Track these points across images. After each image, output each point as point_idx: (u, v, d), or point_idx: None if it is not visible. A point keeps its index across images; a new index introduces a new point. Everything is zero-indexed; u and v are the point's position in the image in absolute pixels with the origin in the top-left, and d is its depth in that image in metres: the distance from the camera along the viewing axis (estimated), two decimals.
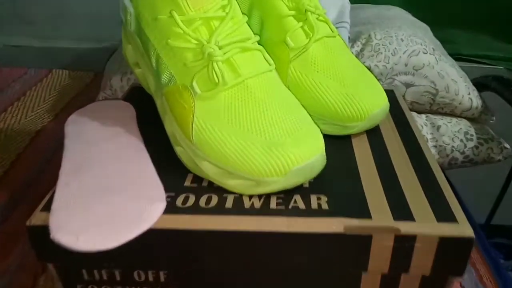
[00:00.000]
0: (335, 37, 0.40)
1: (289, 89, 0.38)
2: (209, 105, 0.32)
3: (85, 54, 0.85)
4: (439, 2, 0.76)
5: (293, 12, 0.38)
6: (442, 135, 0.49)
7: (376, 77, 0.48)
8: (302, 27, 0.38)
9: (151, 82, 0.37)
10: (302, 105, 0.37)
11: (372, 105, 0.37)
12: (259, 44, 0.36)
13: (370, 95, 0.37)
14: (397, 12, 0.59)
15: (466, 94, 0.50)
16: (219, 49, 0.32)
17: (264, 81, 0.33)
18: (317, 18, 0.39)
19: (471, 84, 0.51)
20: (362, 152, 0.36)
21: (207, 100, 0.32)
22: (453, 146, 0.49)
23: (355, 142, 0.37)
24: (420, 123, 0.50)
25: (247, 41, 0.33)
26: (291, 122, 0.31)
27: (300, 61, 0.38)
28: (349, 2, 0.55)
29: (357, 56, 0.51)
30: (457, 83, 0.50)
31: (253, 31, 0.40)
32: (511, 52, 0.77)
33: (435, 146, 0.49)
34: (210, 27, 0.32)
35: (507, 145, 0.48)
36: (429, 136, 0.50)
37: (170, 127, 0.35)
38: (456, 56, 0.78)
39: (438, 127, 0.50)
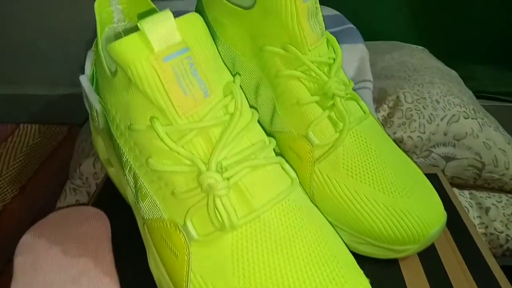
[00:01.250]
0: (367, 118, 0.31)
1: (313, 198, 0.29)
2: (211, 253, 0.23)
3: (57, 102, 0.74)
4: (458, 35, 0.68)
5: (317, 98, 0.29)
6: (493, 220, 0.40)
7: (409, 151, 0.39)
8: (328, 116, 0.29)
9: (128, 192, 0.27)
10: (335, 221, 0.28)
11: (428, 223, 0.28)
12: (270, 135, 0.27)
13: (425, 209, 0.28)
14: (423, 59, 0.51)
15: None
16: (223, 173, 0.22)
17: (286, 209, 0.23)
18: (346, 98, 0.29)
19: None
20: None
21: (207, 246, 0.22)
22: (508, 235, 0.40)
23: (403, 265, 0.28)
24: (464, 204, 0.41)
25: (261, 153, 0.24)
26: (323, 275, 0.22)
27: (327, 163, 0.29)
28: (368, 53, 0.46)
29: (384, 123, 0.41)
30: (506, 153, 0.41)
31: (262, 120, 0.31)
32: None
33: (485, 234, 0.40)
34: (208, 138, 0.23)
35: None
36: (476, 221, 0.41)
37: (156, 270, 0.25)
38: (479, 94, 0.71)
39: (487, 209, 0.41)
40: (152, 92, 0.22)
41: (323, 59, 0.29)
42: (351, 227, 0.28)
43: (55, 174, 0.58)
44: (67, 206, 0.34)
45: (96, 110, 0.27)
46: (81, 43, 0.73)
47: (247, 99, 0.25)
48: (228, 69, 0.26)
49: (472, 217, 0.41)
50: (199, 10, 0.34)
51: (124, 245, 0.28)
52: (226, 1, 0.30)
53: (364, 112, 0.31)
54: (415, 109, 0.42)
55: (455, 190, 0.43)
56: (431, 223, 0.28)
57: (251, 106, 0.26)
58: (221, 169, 0.22)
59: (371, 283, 0.23)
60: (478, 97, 0.70)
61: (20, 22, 0.72)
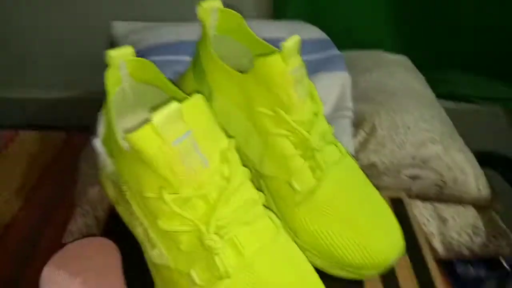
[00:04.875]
0: (344, 160, 0.37)
1: (296, 232, 0.36)
2: None
3: (53, 106, 0.78)
4: (437, 43, 0.73)
5: (300, 152, 0.35)
6: (449, 230, 0.49)
7: (381, 173, 0.46)
8: (309, 166, 0.35)
9: (137, 233, 0.33)
10: (313, 250, 0.35)
11: (388, 253, 0.36)
12: (261, 180, 0.34)
13: (386, 242, 0.36)
14: (402, 81, 0.57)
15: (475, 184, 0.49)
16: (220, 230, 0.29)
17: (273, 254, 0.31)
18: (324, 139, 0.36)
19: (479, 169, 0.50)
20: None
21: None
22: (460, 241, 0.48)
23: (367, 283, 0.37)
24: (427, 216, 0.49)
25: (251, 209, 0.30)
26: None
27: (308, 206, 0.37)
28: (349, 79, 0.52)
29: (360, 147, 0.48)
30: (465, 173, 0.49)
31: (252, 163, 0.37)
32: (509, 92, 0.76)
33: (442, 241, 0.49)
34: (207, 200, 0.30)
35: None
36: (435, 231, 0.49)
37: None
38: (453, 97, 0.77)
39: (445, 221, 0.49)
40: (162, 170, 0.28)
41: (305, 118, 0.35)
42: (326, 256, 0.36)
43: (58, 182, 0.63)
44: (84, 236, 0.39)
45: (107, 166, 0.33)
46: (76, 47, 0.76)
47: (238, 154, 0.32)
48: (222, 128, 0.32)
49: (433, 228, 0.49)
50: (198, 63, 0.39)
51: (133, 273, 0.35)
52: (225, 64, 0.36)
53: (342, 154, 0.38)
54: (388, 136, 0.48)
55: (419, 203, 0.50)
56: (391, 253, 0.36)
57: (243, 164, 0.32)
58: (218, 228, 0.29)
59: None
60: (452, 98, 0.78)
61: (15, 25, 0.74)
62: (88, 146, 0.56)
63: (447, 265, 0.50)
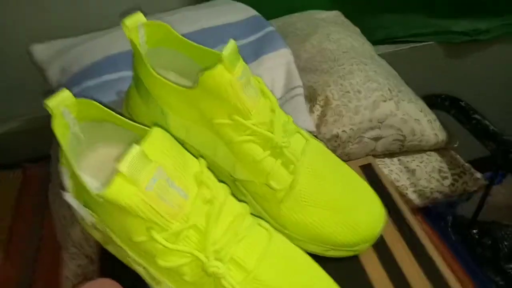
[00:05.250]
0: (310, 144, 0.37)
1: (284, 227, 0.37)
2: None
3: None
4: None
5: (268, 152, 0.35)
6: (419, 179, 0.50)
7: (345, 142, 0.47)
8: (281, 163, 0.35)
9: (137, 268, 0.32)
10: (306, 240, 0.36)
11: (374, 226, 0.37)
12: (237, 182, 0.34)
13: (370, 215, 0.37)
14: (339, 41, 0.57)
15: (431, 131, 0.51)
16: (219, 253, 0.28)
17: (272, 259, 0.31)
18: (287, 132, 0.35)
19: (432, 114, 0.52)
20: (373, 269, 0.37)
21: None
22: (431, 188, 0.51)
23: (361, 256, 0.38)
24: (396, 171, 0.51)
25: (242, 224, 0.30)
26: None
27: (290, 200, 0.37)
28: (291, 55, 0.51)
29: (320, 122, 0.48)
30: (420, 122, 0.50)
31: (224, 172, 0.36)
32: (440, 26, 0.79)
33: (415, 192, 0.51)
34: (197, 229, 0.30)
35: (478, 175, 0.51)
36: (407, 183, 0.51)
37: None
38: (390, 40, 0.79)
39: (413, 171, 0.51)
40: (144, 214, 0.27)
41: (264, 118, 0.34)
42: (318, 241, 0.37)
43: (31, 224, 0.59)
44: (83, 278, 0.37)
45: (92, 223, 0.31)
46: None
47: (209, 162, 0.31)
48: (190, 151, 0.31)
49: (403, 180, 0.51)
50: (140, 83, 0.36)
51: None
52: (169, 82, 0.34)
53: (306, 139, 0.37)
54: (343, 105, 0.49)
55: (387, 160, 0.52)
56: (376, 224, 0.37)
57: (217, 176, 0.31)
58: (216, 252, 0.28)
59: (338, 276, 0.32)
60: (390, 43, 0.80)
61: None
62: (53, 180, 0.52)
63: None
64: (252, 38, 0.53)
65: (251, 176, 0.35)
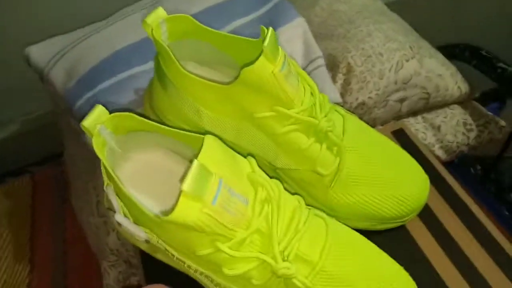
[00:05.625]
0: (348, 120, 0.37)
1: (332, 209, 0.37)
2: None
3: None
4: None
5: (313, 139, 0.34)
6: (445, 135, 0.51)
7: (371, 108, 0.47)
8: (327, 147, 0.34)
9: (196, 276, 0.32)
10: (355, 218, 0.36)
11: (420, 196, 0.38)
12: (278, 170, 0.35)
13: (415, 186, 0.38)
14: (350, 2, 0.54)
15: (454, 85, 0.51)
16: (284, 252, 0.28)
17: (334, 248, 0.31)
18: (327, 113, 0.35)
19: (452, 67, 0.51)
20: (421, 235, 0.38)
21: None
22: (457, 142, 0.51)
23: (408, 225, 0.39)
24: (422, 129, 0.51)
25: (301, 219, 0.30)
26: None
27: (338, 183, 0.36)
28: (306, 23, 0.49)
29: (344, 92, 0.47)
30: (443, 77, 0.50)
31: (263, 162, 0.36)
32: None
33: (441, 147, 0.51)
34: (261, 232, 0.30)
35: (503, 123, 0.51)
36: (433, 140, 0.51)
37: None
38: None
39: (439, 127, 0.51)
40: (210, 228, 0.27)
41: (307, 104, 0.33)
42: (366, 218, 0.37)
43: (52, 232, 0.59)
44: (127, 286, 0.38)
45: (146, 240, 0.30)
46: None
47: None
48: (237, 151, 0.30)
49: (430, 138, 0.51)
50: (166, 82, 0.35)
51: None
52: (204, 80, 0.32)
53: (342, 116, 0.37)
54: (366, 71, 0.48)
55: (411, 119, 0.52)
56: (422, 194, 0.37)
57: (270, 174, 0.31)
58: (282, 252, 0.28)
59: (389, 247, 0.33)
60: None
61: None
62: (74, 187, 0.51)
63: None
64: (262, 10, 0.50)
65: (296, 164, 0.35)
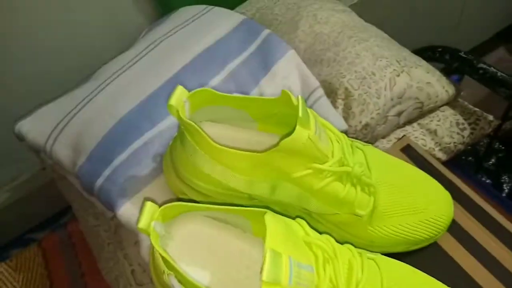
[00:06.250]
0: (368, 152, 0.39)
1: (372, 243, 0.38)
2: None
3: None
4: None
5: (349, 185, 0.35)
6: (442, 137, 0.54)
7: (373, 127, 0.49)
8: (361, 189, 0.36)
9: None
10: (392, 246, 0.38)
11: (448, 214, 0.40)
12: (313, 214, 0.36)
13: (442, 206, 0.40)
14: (331, 22, 0.56)
15: (442, 89, 0.54)
16: None
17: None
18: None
19: (436, 71, 0.54)
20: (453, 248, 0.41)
21: None
22: (454, 142, 0.54)
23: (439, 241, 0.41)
24: (420, 136, 0.54)
25: (355, 266, 0.32)
26: None
27: (375, 220, 0.38)
28: (296, 54, 0.50)
29: (346, 116, 0.49)
30: (432, 85, 0.53)
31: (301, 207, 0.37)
32: None
33: (441, 150, 0.54)
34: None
35: (491, 117, 0.55)
36: (432, 144, 0.54)
37: None
38: None
39: (435, 132, 0.54)
40: None
41: (338, 155, 0.34)
42: (403, 244, 0.40)
43: None
44: None
45: None
46: None
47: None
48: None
49: (429, 143, 0.54)
50: (195, 156, 0.35)
51: None
52: (238, 151, 0.33)
53: (362, 149, 0.39)
54: (364, 93, 0.49)
55: (408, 128, 0.54)
56: (449, 211, 0.40)
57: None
58: None
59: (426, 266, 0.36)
60: None
61: None
62: (96, 257, 0.50)
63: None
64: (252, 48, 0.51)
65: (335, 210, 0.37)
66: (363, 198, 0.36)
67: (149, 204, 0.30)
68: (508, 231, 0.41)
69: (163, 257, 0.30)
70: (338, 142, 0.36)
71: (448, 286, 0.36)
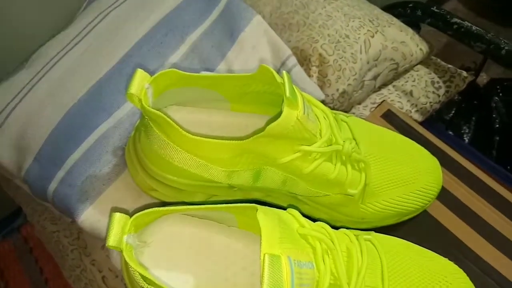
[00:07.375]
0: (352, 121, 0.37)
1: (365, 218, 0.37)
2: None
3: None
4: None
5: (339, 163, 0.33)
6: (418, 98, 0.52)
7: (351, 93, 0.46)
8: (352, 167, 0.33)
9: None
10: (383, 219, 0.37)
11: (437, 182, 0.38)
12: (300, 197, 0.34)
13: (431, 175, 0.38)
14: None
15: (416, 47, 0.51)
16: None
17: (390, 270, 0.31)
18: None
19: (409, 29, 0.51)
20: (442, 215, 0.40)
21: None
22: (430, 102, 0.53)
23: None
24: (396, 99, 0.52)
25: (355, 252, 0.30)
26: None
27: (366, 197, 0.35)
28: (264, 21, 0.45)
29: (322, 84, 0.45)
30: (406, 44, 0.50)
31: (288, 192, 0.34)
32: None
33: (417, 111, 0.52)
34: (331, 285, 0.28)
35: (464, 73, 0.53)
36: (408, 106, 0.52)
37: None
38: None
39: (411, 92, 0.52)
40: None
41: (327, 134, 0.31)
42: (395, 216, 0.38)
43: None
44: None
45: None
46: None
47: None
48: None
49: (405, 104, 0.52)
50: (163, 148, 0.30)
51: None
52: (216, 141, 0.28)
53: (347, 123, 0.36)
54: (339, 58, 0.46)
55: (384, 91, 0.52)
56: (438, 178, 0.38)
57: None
58: None
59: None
60: None
61: None
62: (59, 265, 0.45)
63: None
64: (214, 15, 0.45)
65: (325, 192, 0.33)
66: (354, 176, 0.34)
67: (117, 216, 0.25)
68: (498, 193, 0.40)
69: (142, 276, 0.26)
70: (325, 118, 0.32)
71: (441, 253, 0.35)
